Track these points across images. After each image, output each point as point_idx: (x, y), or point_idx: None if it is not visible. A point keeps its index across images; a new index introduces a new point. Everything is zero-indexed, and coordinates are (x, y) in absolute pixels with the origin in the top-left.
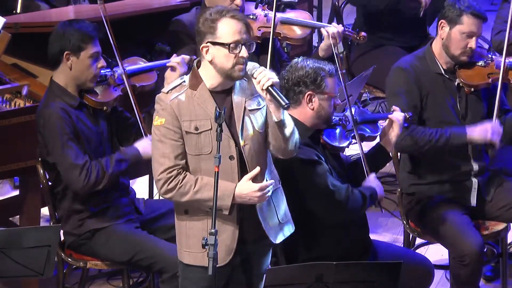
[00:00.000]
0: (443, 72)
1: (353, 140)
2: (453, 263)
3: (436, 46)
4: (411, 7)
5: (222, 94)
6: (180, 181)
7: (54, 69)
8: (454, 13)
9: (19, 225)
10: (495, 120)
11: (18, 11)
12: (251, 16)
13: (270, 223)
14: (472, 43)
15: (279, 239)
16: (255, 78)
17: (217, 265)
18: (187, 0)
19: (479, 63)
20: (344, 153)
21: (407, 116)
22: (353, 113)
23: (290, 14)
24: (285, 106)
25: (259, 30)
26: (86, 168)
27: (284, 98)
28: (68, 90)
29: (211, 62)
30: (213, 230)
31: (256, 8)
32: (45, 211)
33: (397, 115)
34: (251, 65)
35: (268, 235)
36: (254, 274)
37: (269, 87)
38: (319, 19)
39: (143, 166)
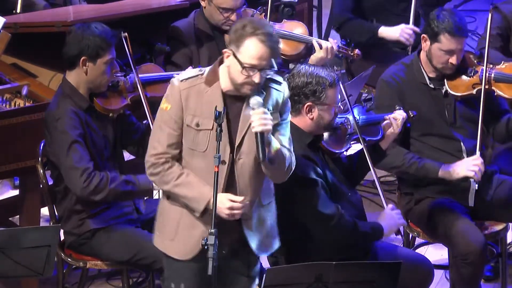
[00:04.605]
0: (427, 82)
1: (352, 142)
2: (455, 262)
3: (423, 55)
4: (395, 44)
5: (234, 99)
6: (164, 170)
7: (68, 70)
8: (433, 30)
9: (19, 225)
10: (478, 153)
11: (18, 11)
12: None
13: (255, 233)
14: (453, 59)
15: (264, 252)
16: (251, 116)
17: (183, 259)
18: (187, 0)
19: (465, 74)
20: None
21: (411, 115)
22: (355, 115)
23: (286, 27)
24: (261, 159)
25: None
26: (88, 172)
27: (264, 153)
28: (80, 92)
29: (228, 67)
30: (213, 230)
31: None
32: (44, 211)
33: (397, 115)
34: (256, 101)
35: (250, 244)
36: (237, 279)
37: (258, 133)
38: (319, 19)
39: (143, 166)
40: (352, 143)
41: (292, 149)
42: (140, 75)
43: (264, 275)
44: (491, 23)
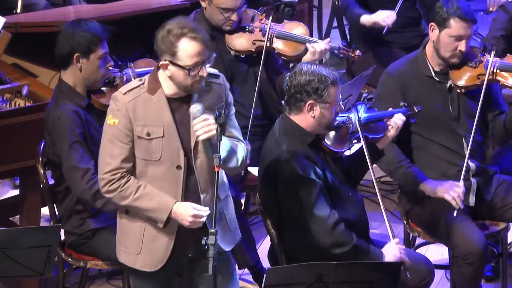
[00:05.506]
0: (433, 75)
1: (354, 141)
2: (456, 262)
3: (429, 48)
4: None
5: (179, 101)
6: (122, 185)
7: (63, 69)
8: (442, 16)
9: (19, 225)
10: (462, 180)
11: (18, 10)
12: (246, 29)
13: (218, 227)
14: (461, 45)
15: (228, 245)
16: (194, 125)
17: (148, 270)
18: (187, 0)
19: (470, 64)
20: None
21: (416, 111)
22: (358, 114)
23: (286, 27)
24: (217, 163)
25: (254, 43)
26: (90, 174)
27: (218, 157)
28: (77, 90)
29: (170, 77)
30: (213, 230)
31: (252, 20)
32: (45, 211)
33: (396, 119)
34: (196, 109)
35: (219, 244)
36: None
37: (203, 140)
38: (319, 19)
39: None
40: (355, 142)
41: (241, 137)
42: (136, 70)
43: (264, 275)
44: (497, 23)
